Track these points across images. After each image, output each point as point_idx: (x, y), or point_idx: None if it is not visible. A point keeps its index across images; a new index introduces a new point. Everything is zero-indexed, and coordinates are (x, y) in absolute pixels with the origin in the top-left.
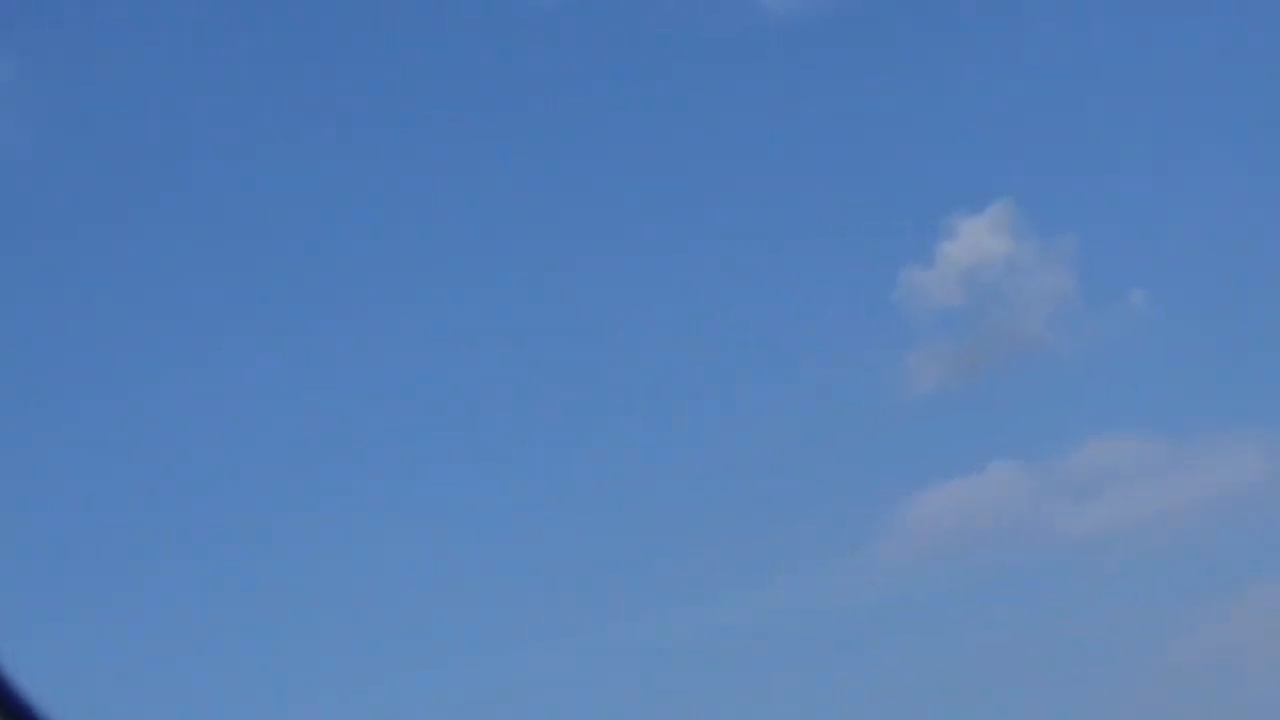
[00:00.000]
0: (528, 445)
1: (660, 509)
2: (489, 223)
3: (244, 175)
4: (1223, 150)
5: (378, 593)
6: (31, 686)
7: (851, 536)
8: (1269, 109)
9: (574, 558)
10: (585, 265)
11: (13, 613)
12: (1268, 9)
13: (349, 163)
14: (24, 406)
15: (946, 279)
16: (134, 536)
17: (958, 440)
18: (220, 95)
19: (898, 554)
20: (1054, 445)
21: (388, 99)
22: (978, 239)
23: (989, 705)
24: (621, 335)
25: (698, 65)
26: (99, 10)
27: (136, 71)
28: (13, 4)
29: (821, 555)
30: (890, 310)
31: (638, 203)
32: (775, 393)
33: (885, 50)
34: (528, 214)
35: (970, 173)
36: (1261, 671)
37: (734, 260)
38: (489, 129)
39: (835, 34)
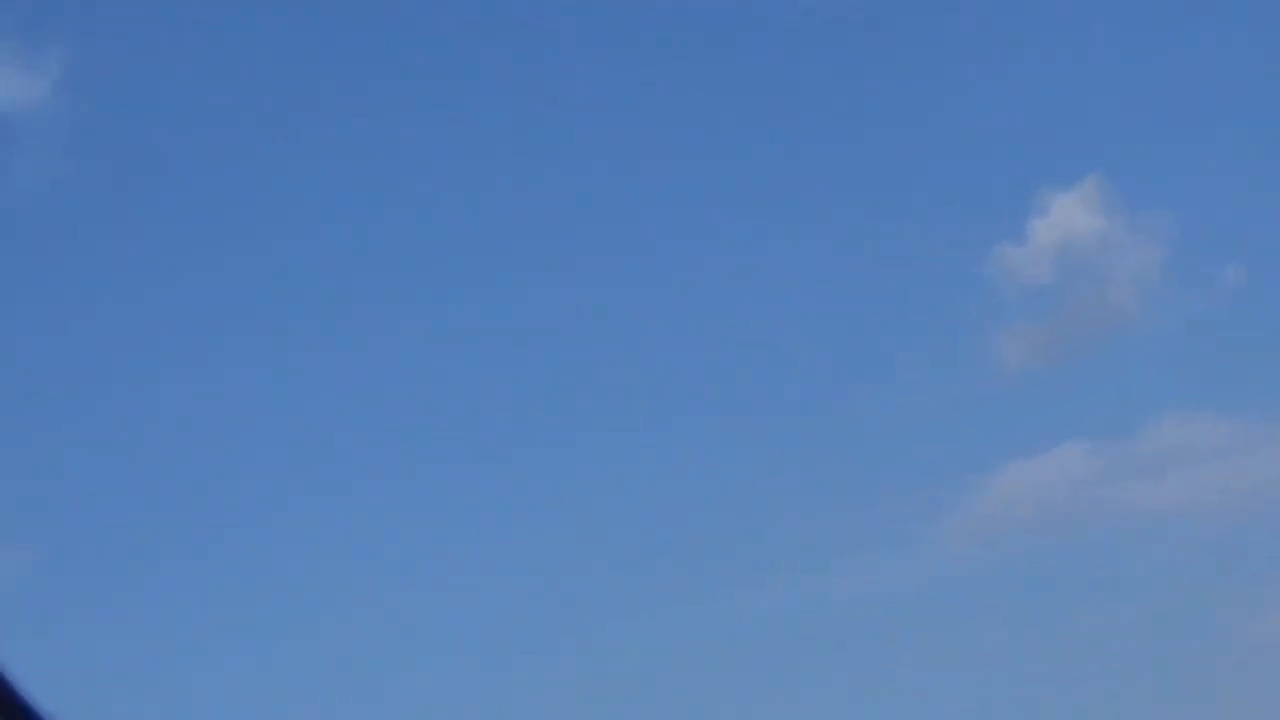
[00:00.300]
0: (547, 445)
1: (722, 493)
2: (494, 223)
3: (244, 175)
4: None
5: (377, 592)
6: (31, 686)
7: (922, 517)
8: None
9: (612, 554)
10: (611, 258)
11: (13, 613)
12: None
13: (349, 163)
14: (24, 407)
15: (1038, 256)
16: (134, 536)
17: (1037, 419)
18: (220, 95)
19: (966, 533)
20: (1130, 423)
21: (388, 99)
22: (1069, 215)
23: (1054, 682)
24: (689, 325)
25: (778, 42)
26: (98, 11)
27: (133, 74)
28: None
29: (890, 537)
30: (982, 287)
31: (695, 186)
32: (862, 373)
33: (975, 27)
34: (541, 214)
35: (1062, 147)
36: None
37: (823, 237)
38: (490, 129)
39: (922, 11)
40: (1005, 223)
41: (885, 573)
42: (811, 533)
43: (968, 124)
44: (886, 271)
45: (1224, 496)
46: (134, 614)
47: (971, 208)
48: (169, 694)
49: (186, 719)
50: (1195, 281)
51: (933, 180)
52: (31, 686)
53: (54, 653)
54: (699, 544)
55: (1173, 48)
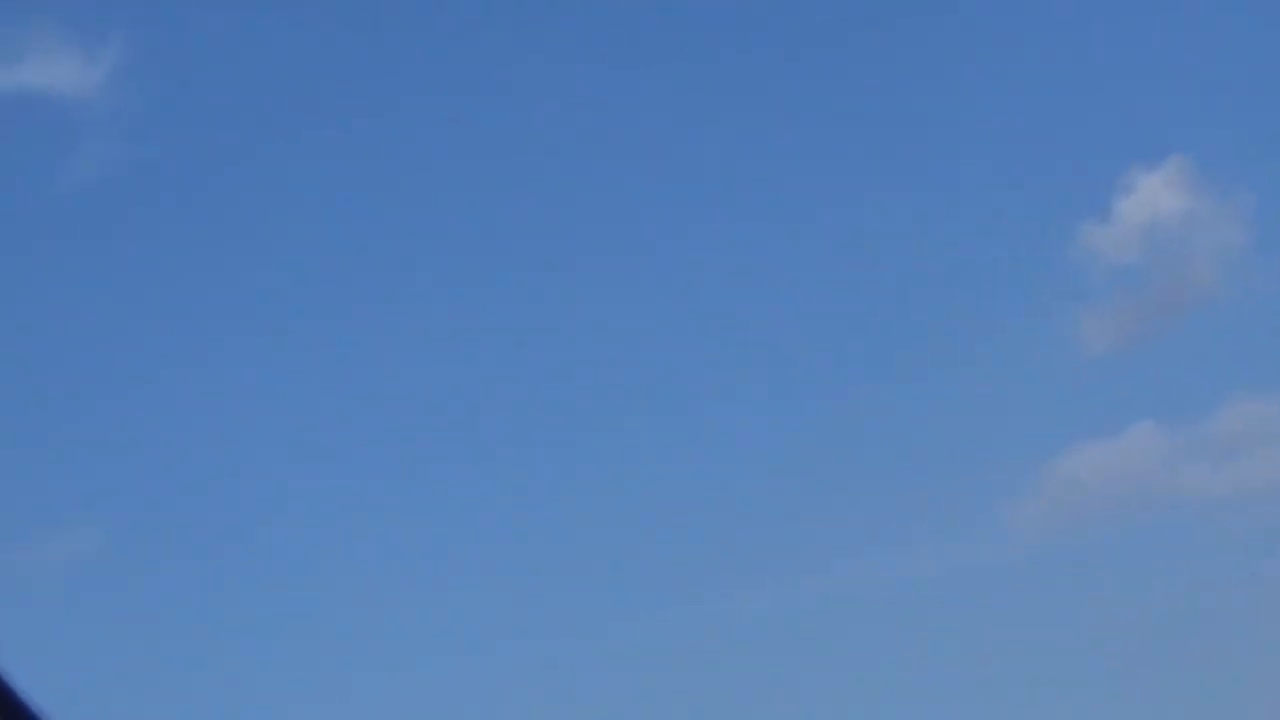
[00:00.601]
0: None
1: (792, 468)
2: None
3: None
4: None
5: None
6: (33, 686)
7: (988, 499)
8: None
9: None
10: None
11: (14, 613)
12: None
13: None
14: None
15: (1122, 236)
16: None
17: (1111, 400)
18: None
19: (1029, 517)
20: (1206, 405)
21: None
22: (1155, 194)
23: (1123, 667)
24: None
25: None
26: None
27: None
28: None
29: (955, 519)
30: (1066, 267)
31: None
32: (947, 352)
33: (1063, 5)
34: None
35: (1148, 126)
36: None
37: (912, 214)
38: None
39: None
40: (1089, 202)
41: (949, 555)
42: (869, 519)
43: (1053, 102)
44: (962, 255)
45: None
46: (132, 613)
47: (1054, 188)
48: (167, 693)
49: (185, 719)
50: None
51: (1011, 162)
52: (32, 685)
53: (53, 653)
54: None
55: (1259, 24)
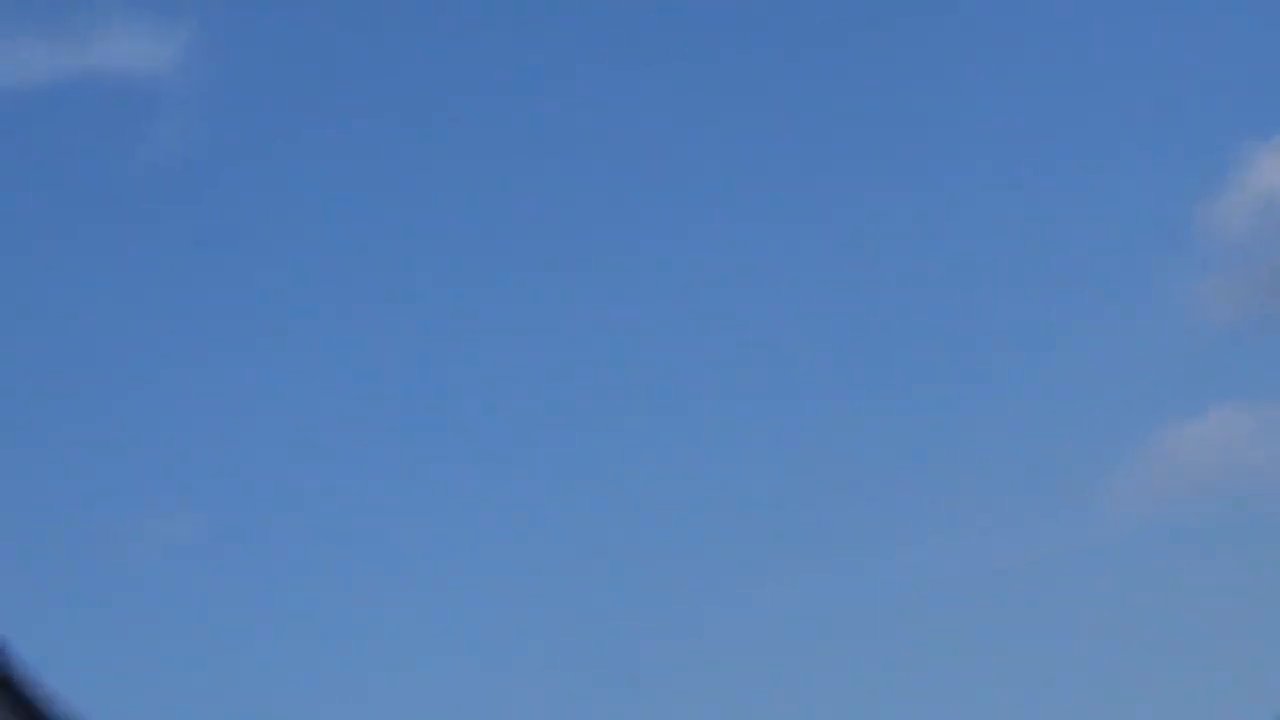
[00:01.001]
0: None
1: (875, 448)
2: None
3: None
4: None
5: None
6: (39, 682)
7: (1086, 476)
8: None
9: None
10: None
11: (14, 615)
12: None
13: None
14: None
15: (1243, 207)
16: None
17: (1208, 379)
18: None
19: (1135, 495)
20: None
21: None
22: (1273, 169)
23: (1222, 654)
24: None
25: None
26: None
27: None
28: None
29: (1051, 498)
30: (1186, 239)
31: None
32: (1057, 327)
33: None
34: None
35: (1270, 98)
36: None
37: (1025, 184)
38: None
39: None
40: (1210, 174)
41: (1042, 537)
42: (954, 499)
43: (1176, 70)
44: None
45: None
46: (131, 613)
47: (1169, 161)
48: (165, 693)
49: (183, 718)
50: None
51: (1126, 134)
52: (39, 682)
53: (53, 653)
54: (922, 482)
55: None
